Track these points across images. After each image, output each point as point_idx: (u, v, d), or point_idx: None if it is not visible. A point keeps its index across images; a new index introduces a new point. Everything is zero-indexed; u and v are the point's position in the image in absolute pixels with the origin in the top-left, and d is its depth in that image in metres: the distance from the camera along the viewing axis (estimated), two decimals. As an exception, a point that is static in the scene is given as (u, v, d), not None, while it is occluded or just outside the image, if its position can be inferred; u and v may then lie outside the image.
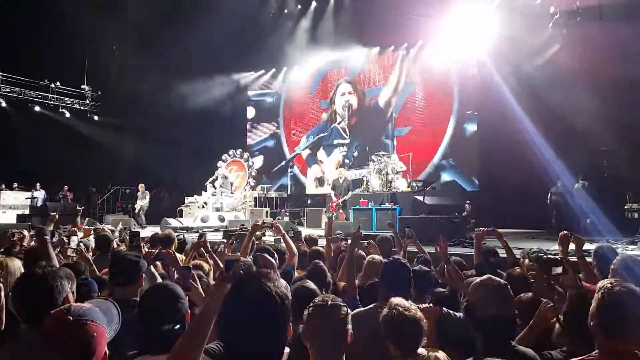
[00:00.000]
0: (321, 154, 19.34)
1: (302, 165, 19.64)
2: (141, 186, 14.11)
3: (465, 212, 11.02)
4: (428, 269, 3.30)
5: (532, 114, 11.49)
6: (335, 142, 18.72)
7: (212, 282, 2.99)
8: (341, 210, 11.80)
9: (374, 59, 17.92)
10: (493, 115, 12.93)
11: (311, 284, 2.59)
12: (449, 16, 13.49)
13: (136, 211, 13.96)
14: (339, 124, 18.71)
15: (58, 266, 2.80)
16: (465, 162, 15.05)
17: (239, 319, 1.37)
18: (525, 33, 11.77)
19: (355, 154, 17.38)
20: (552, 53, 11.71)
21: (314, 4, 16.97)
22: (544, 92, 11.13)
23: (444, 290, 3.48)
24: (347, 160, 15.53)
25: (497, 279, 2.23)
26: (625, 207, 8.92)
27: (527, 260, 3.85)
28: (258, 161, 19.76)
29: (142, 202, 13.85)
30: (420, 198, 9.54)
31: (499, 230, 4.21)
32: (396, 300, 2.18)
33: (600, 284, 2.01)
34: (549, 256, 3.11)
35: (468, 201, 11.75)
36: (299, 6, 17.19)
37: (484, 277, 2.22)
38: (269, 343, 1.38)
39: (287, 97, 20.66)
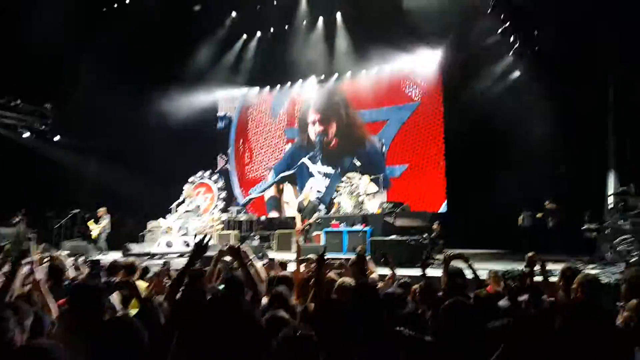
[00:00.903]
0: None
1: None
2: (101, 210, 13.53)
3: (434, 234, 11.13)
4: (402, 291, 3.27)
5: (496, 135, 11.85)
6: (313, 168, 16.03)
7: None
8: (307, 234, 11.73)
9: (350, 81, 15.95)
10: (459, 136, 13.23)
11: (282, 313, 2.50)
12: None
13: (93, 236, 13.30)
14: (309, 157, 16.05)
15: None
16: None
17: (212, 343, 1.28)
18: (487, 60, 12.23)
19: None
20: (513, 79, 12.21)
21: (286, 27, 16.24)
22: (507, 116, 11.54)
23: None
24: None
25: (464, 301, 2.24)
26: (584, 227, 9.20)
27: (502, 282, 3.93)
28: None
29: (99, 225, 13.22)
30: (390, 220, 9.58)
31: (467, 250, 4.33)
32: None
33: (563, 302, 2.07)
34: (515, 284, 3.22)
35: (437, 222, 11.88)
36: (272, 29, 16.60)
37: (451, 300, 2.24)
38: None
39: (241, 122, 18.01)
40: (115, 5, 16.06)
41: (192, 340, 1.39)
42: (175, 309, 1.54)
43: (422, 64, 14.60)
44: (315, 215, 11.73)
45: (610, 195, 9.60)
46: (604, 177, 10.28)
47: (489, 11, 9.22)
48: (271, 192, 17.10)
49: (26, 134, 17.73)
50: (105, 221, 13.34)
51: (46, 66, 16.51)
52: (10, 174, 15.81)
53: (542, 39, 10.55)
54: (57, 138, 18.64)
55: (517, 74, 12.16)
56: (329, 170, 15.72)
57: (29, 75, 16.44)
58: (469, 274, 4.14)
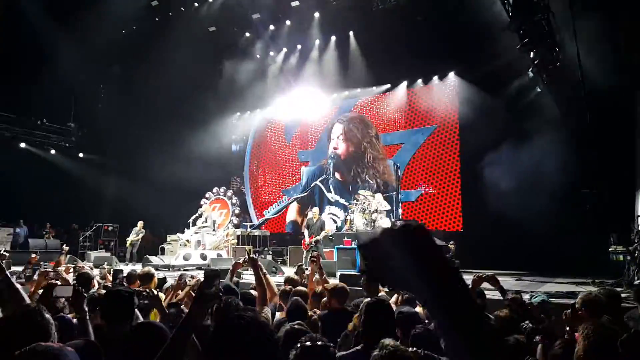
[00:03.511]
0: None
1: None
2: (140, 223, 14.36)
3: (450, 253, 10.97)
4: (416, 311, 3.26)
5: (511, 150, 11.59)
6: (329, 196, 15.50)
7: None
8: (313, 251, 11.65)
9: (378, 97, 15.46)
10: (474, 152, 12.97)
11: (302, 325, 2.53)
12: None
13: (127, 245, 14.29)
14: (321, 180, 15.74)
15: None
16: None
17: (226, 353, 1.33)
18: (506, 78, 12.10)
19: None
20: (533, 96, 12.04)
21: (298, 46, 16.40)
22: (526, 131, 11.34)
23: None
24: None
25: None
26: (610, 249, 8.97)
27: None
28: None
29: (132, 236, 14.11)
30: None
31: (485, 271, 4.26)
32: (387, 340, 2.14)
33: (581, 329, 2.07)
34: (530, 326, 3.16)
35: (452, 241, 11.69)
36: (285, 49, 16.66)
37: None
38: None
39: (255, 145, 18.10)
40: (134, 27, 16.45)
41: (210, 345, 1.43)
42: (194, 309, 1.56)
43: (438, 86, 14.60)
44: (323, 233, 11.70)
45: (639, 216, 9.25)
46: (633, 198, 9.92)
47: (507, 27, 9.01)
48: (293, 215, 16.89)
49: (52, 151, 18.53)
50: (138, 234, 14.19)
51: (71, 88, 17.13)
52: (37, 189, 16.37)
53: (563, 54, 10.26)
54: (81, 155, 19.35)
55: (537, 90, 11.97)
56: (342, 200, 15.19)
57: (54, 97, 17.06)
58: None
